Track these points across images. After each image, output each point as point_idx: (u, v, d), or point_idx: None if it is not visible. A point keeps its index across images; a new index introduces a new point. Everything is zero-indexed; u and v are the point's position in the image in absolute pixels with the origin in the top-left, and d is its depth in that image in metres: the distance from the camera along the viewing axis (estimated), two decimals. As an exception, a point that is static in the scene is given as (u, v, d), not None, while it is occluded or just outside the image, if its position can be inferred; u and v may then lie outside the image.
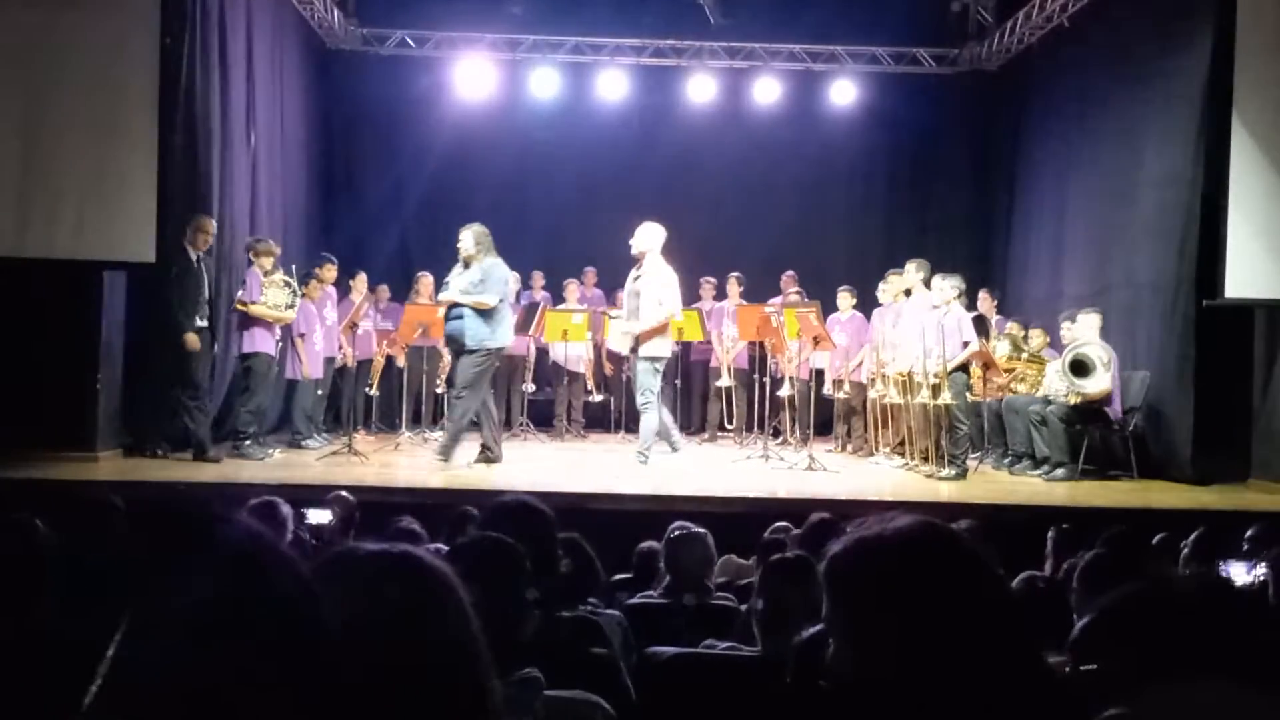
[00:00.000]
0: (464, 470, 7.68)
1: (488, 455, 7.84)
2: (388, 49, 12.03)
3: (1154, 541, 4.74)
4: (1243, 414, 8.10)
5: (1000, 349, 8.94)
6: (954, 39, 12.17)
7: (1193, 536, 4.48)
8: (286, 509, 4.48)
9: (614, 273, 11.38)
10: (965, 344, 7.99)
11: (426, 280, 9.96)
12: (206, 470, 7.33)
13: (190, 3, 8.03)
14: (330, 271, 9.62)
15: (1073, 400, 8.19)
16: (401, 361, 10.22)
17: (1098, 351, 8.16)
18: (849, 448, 10.01)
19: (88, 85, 7.32)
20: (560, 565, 2.90)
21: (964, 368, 8.09)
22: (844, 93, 11.94)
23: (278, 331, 8.57)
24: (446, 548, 2.77)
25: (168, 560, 0.68)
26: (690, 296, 11.09)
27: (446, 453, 7.73)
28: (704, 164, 12.07)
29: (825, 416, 10.26)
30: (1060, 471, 8.05)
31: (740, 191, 12.14)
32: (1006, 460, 8.75)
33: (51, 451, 7.23)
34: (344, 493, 5.40)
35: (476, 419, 7.79)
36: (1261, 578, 3.52)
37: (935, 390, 7.96)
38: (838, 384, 9.95)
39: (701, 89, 11.92)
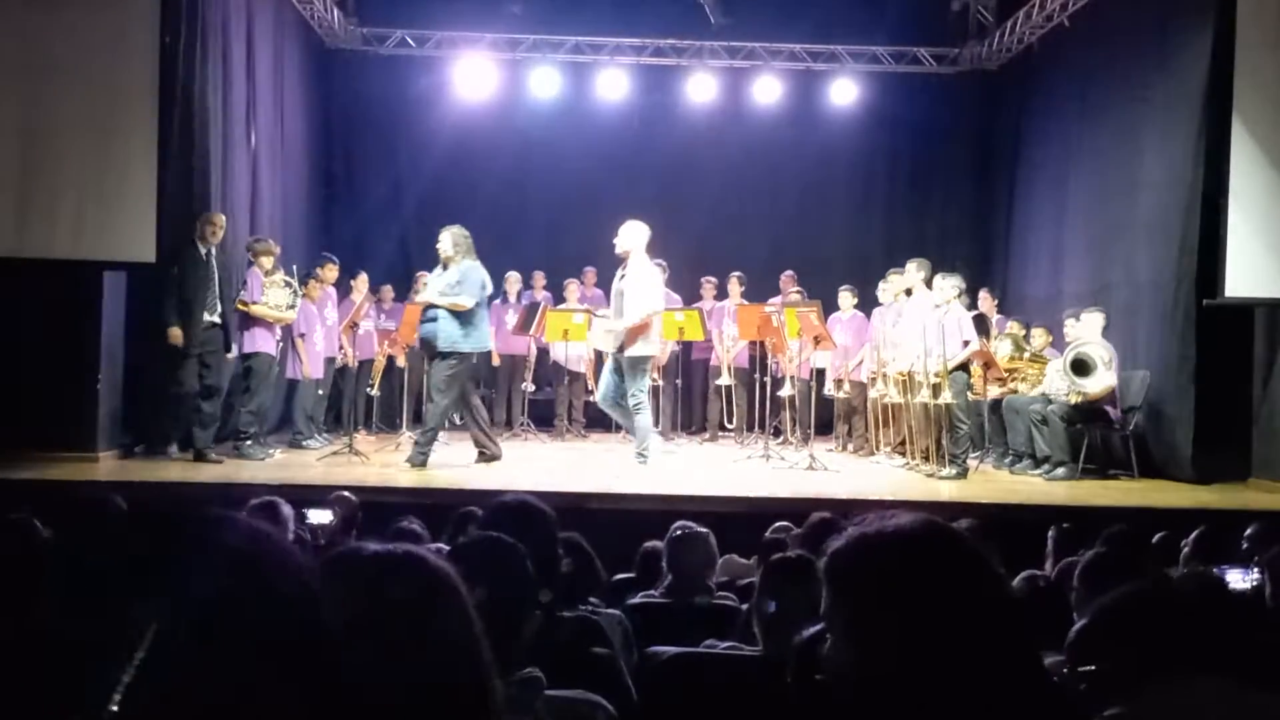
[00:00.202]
0: (465, 470, 7.67)
1: (485, 454, 7.80)
2: (388, 48, 12.04)
3: (1154, 541, 4.73)
4: (1243, 413, 8.09)
5: (1001, 349, 8.94)
6: (954, 38, 12.18)
7: (1193, 536, 4.48)
8: (287, 509, 4.48)
9: (614, 272, 11.37)
10: (965, 343, 7.99)
11: (426, 280, 9.95)
12: (207, 470, 7.32)
13: (190, 2, 8.03)
14: (331, 271, 9.62)
15: (1073, 399, 8.19)
16: (402, 361, 10.23)
17: (1099, 350, 8.16)
18: (850, 447, 10.01)
19: (87, 85, 7.31)
20: (561, 565, 2.90)
21: (964, 367, 8.09)
22: (844, 92, 11.94)
23: (278, 331, 8.57)
24: (447, 547, 2.77)
25: (168, 560, 0.68)
26: (691, 296, 11.11)
27: (419, 459, 7.53)
28: (704, 164, 12.07)
29: (826, 416, 10.26)
30: (1061, 471, 8.05)
31: (740, 191, 12.14)
32: (1007, 460, 8.75)
33: (51, 451, 7.24)
34: (346, 493, 5.39)
35: (461, 421, 7.74)
36: (1256, 581, 3.52)
37: (936, 390, 7.96)
38: (838, 383, 9.96)
39: (702, 88, 11.92)
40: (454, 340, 7.47)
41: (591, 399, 11.09)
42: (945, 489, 7.55)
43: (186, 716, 0.63)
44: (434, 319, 7.54)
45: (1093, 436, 8.28)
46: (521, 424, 10.66)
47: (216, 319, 7.72)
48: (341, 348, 9.56)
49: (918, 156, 12.46)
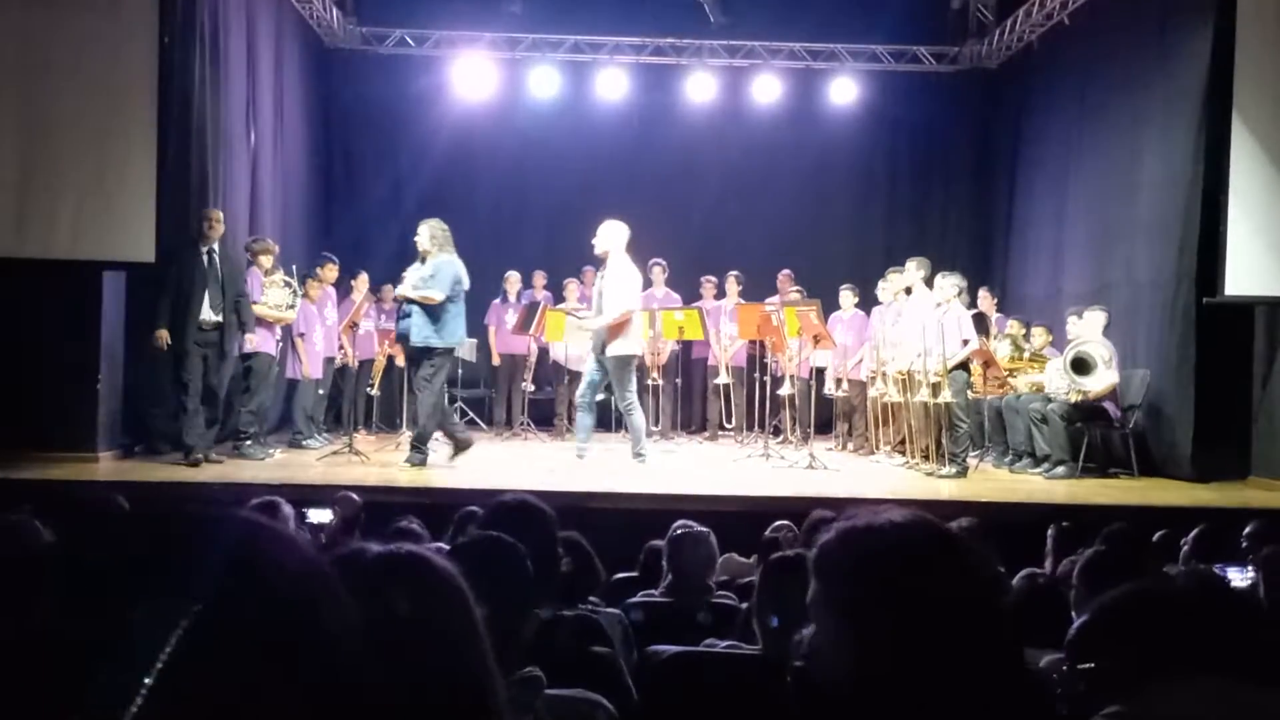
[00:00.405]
0: (465, 470, 7.67)
1: (457, 445, 7.67)
2: (387, 48, 12.04)
3: (1154, 539, 4.73)
4: (1243, 411, 8.10)
5: (1001, 350, 8.94)
6: (954, 37, 12.18)
7: (1192, 534, 4.48)
8: (288, 509, 4.48)
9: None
10: (965, 342, 7.99)
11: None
12: (206, 470, 7.31)
13: (189, 3, 8.03)
14: (330, 271, 9.62)
15: (1073, 398, 8.19)
16: (402, 361, 10.21)
17: (1099, 349, 8.16)
18: (849, 446, 10.01)
19: (87, 85, 7.31)
20: (561, 565, 2.90)
21: (964, 366, 8.09)
22: (844, 91, 11.94)
23: (278, 331, 8.57)
24: (447, 547, 2.77)
25: (170, 559, 0.68)
26: (691, 296, 11.12)
27: (419, 459, 7.52)
28: (704, 163, 12.07)
29: (826, 415, 10.27)
30: (1060, 469, 8.06)
31: (740, 190, 12.14)
32: (1007, 458, 8.75)
33: (51, 452, 7.24)
34: (350, 493, 5.38)
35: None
36: (1252, 578, 3.52)
37: (935, 389, 7.96)
38: (838, 382, 9.96)
39: (701, 87, 11.92)
40: (426, 336, 7.38)
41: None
42: (945, 488, 7.55)
43: (188, 717, 0.63)
44: (407, 314, 7.48)
45: (1092, 435, 8.28)
46: (521, 424, 10.66)
47: (219, 318, 7.59)
48: (341, 347, 9.56)
49: (917, 155, 12.46)
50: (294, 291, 8.66)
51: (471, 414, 11.26)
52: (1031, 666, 2.66)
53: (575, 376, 10.85)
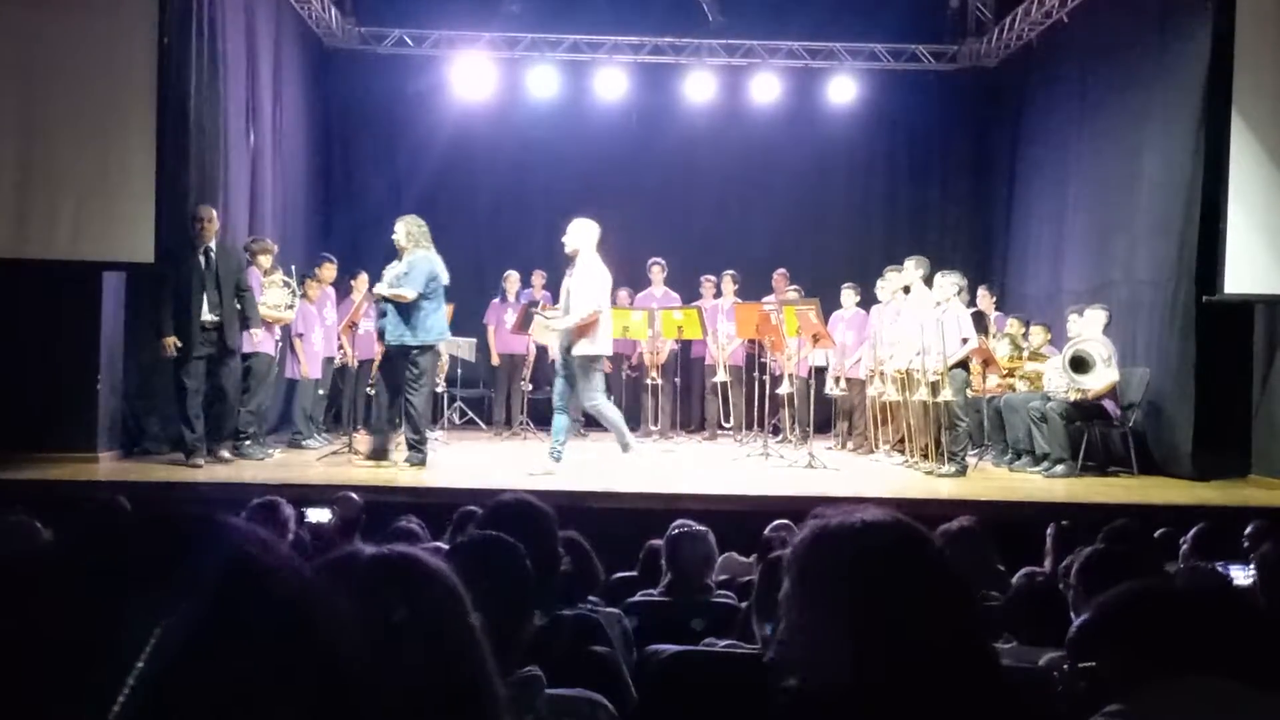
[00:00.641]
0: (465, 470, 7.67)
1: (373, 451, 7.63)
2: (386, 48, 12.03)
3: (1154, 537, 4.74)
4: (1242, 410, 8.10)
5: (1000, 349, 8.94)
6: (953, 36, 12.18)
7: (1192, 532, 4.48)
8: (289, 509, 4.48)
9: (613, 270, 11.33)
10: (964, 340, 7.99)
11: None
12: (206, 470, 7.30)
13: (188, 3, 8.03)
14: (329, 271, 9.62)
15: (1073, 397, 8.19)
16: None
17: (1098, 348, 8.16)
18: (849, 445, 10.01)
19: (86, 85, 7.31)
20: (561, 564, 2.90)
21: (964, 364, 8.09)
22: (843, 90, 11.94)
23: (277, 331, 8.57)
24: (446, 546, 2.77)
25: (166, 564, 0.68)
26: (691, 295, 11.12)
27: (418, 459, 7.50)
28: (703, 162, 12.08)
29: (825, 414, 10.27)
30: (1060, 468, 8.06)
31: (739, 189, 12.15)
32: (1006, 457, 8.75)
33: (51, 452, 7.24)
34: (351, 493, 5.38)
35: (398, 420, 7.58)
36: (1254, 577, 3.52)
37: (934, 388, 7.97)
38: (836, 380, 9.96)
39: (700, 87, 11.92)
40: (400, 335, 7.33)
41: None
42: (944, 486, 7.56)
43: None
44: (383, 312, 7.45)
45: (1092, 433, 8.28)
46: (521, 423, 10.66)
47: (217, 318, 7.48)
48: (341, 347, 9.55)
49: (916, 154, 12.46)
50: (292, 292, 8.66)
51: (471, 414, 11.27)
52: (1027, 665, 2.67)
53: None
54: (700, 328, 10.25)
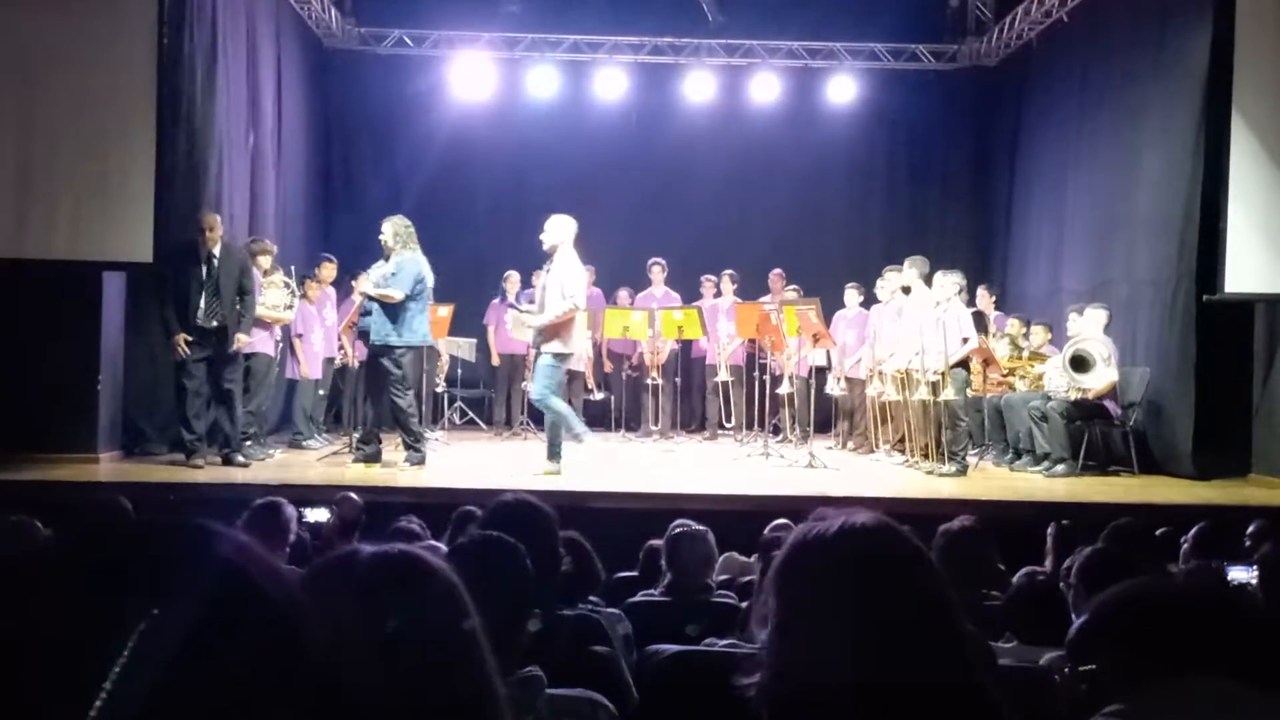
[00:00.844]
0: (465, 470, 7.66)
1: (365, 452, 7.58)
2: (385, 48, 12.03)
3: (1155, 536, 4.73)
4: (1243, 409, 8.09)
5: (1000, 349, 8.94)
6: (953, 35, 12.17)
7: (1193, 532, 4.48)
8: (290, 510, 4.48)
9: (613, 270, 11.38)
10: (965, 340, 7.99)
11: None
12: (206, 471, 7.29)
13: (188, 2, 8.02)
14: (329, 271, 9.62)
15: (1073, 396, 8.19)
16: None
17: (1098, 347, 8.16)
18: (849, 445, 10.01)
19: (87, 85, 7.31)
20: (561, 564, 2.90)
21: (964, 364, 8.09)
22: (842, 89, 11.94)
23: (277, 332, 8.57)
24: (445, 546, 2.77)
25: (158, 568, 0.68)
26: (691, 295, 11.12)
27: (417, 458, 7.50)
28: (702, 162, 12.07)
29: (825, 414, 10.27)
30: (1061, 467, 8.06)
31: (739, 189, 12.15)
32: (1007, 456, 8.75)
33: (52, 452, 7.24)
34: (351, 494, 5.37)
35: (398, 419, 7.55)
36: (1253, 577, 3.53)
37: (934, 387, 7.97)
38: (836, 380, 9.96)
39: (700, 87, 11.92)
40: (385, 334, 7.33)
41: (591, 398, 11.12)
42: (945, 486, 7.55)
43: None
44: (368, 312, 7.43)
45: (1093, 433, 8.28)
46: (521, 423, 10.66)
47: (214, 324, 7.37)
48: (341, 347, 9.55)
49: (916, 153, 12.46)
50: (291, 292, 8.66)
51: (471, 413, 11.27)
52: (1027, 665, 2.67)
53: (575, 376, 10.85)
54: (700, 327, 10.25)
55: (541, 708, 1.85)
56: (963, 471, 7.95)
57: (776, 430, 9.99)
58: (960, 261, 9.81)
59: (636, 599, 3.83)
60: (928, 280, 8.43)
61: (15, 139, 7.29)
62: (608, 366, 11.19)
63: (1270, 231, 7.60)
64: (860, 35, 11.84)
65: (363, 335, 7.69)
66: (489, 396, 11.41)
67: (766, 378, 9.88)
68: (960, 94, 12.21)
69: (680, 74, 12.04)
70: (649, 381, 10.61)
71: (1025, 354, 9.03)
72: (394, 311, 7.32)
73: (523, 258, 11.30)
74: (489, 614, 1.20)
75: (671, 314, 10.12)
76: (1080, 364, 8.16)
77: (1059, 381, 8.37)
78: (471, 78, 11.88)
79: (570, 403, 10.77)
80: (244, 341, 7.63)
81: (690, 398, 11.22)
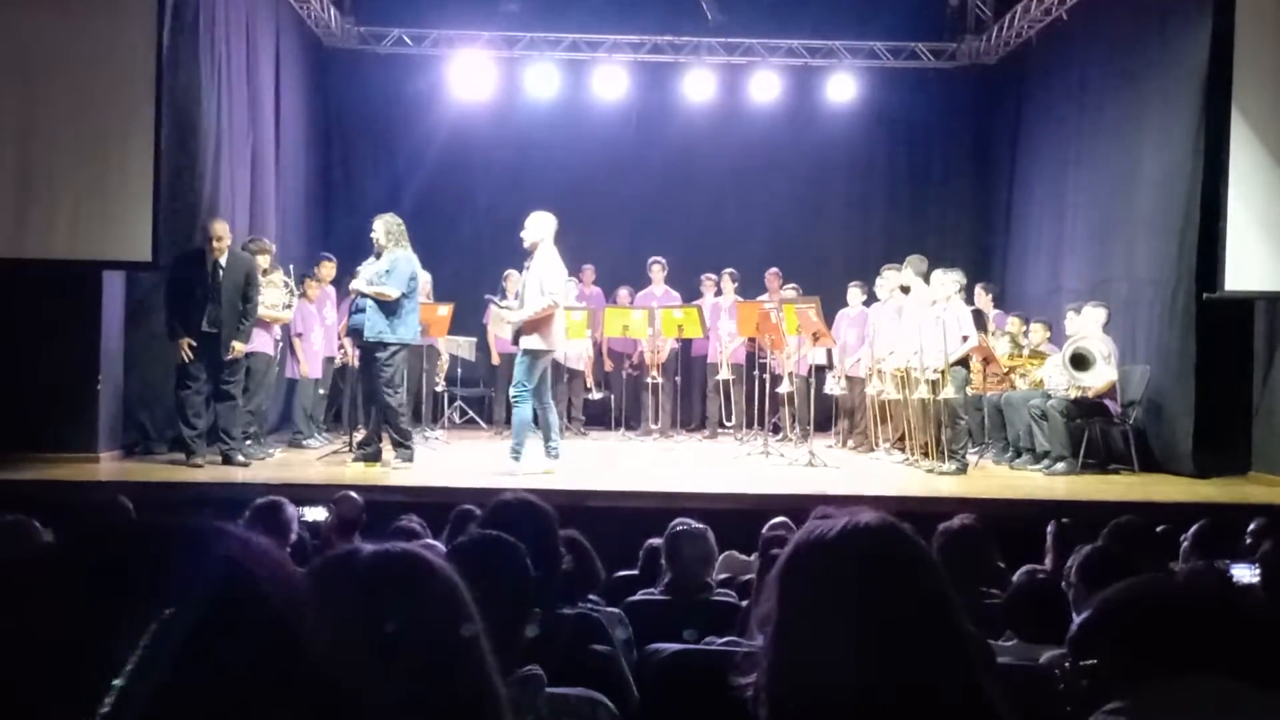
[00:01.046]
0: (464, 469, 7.65)
1: (366, 452, 7.57)
2: (385, 47, 12.03)
3: (1155, 533, 4.73)
4: (1243, 407, 8.10)
5: (1000, 348, 8.94)
6: (952, 33, 12.17)
7: (1193, 530, 4.48)
8: (291, 509, 4.48)
9: (613, 270, 11.39)
10: (965, 338, 7.99)
11: (423, 278, 9.92)
12: (205, 470, 7.29)
13: (188, 2, 8.02)
14: (329, 270, 9.61)
15: (1073, 394, 8.19)
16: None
17: (1098, 345, 8.16)
18: (849, 443, 10.01)
19: (86, 85, 7.30)
20: (561, 563, 2.90)
21: (964, 362, 8.09)
22: (842, 88, 11.93)
23: (276, 331, 8.56)
24: (445, 546, 2.77)
25: (161, 568, 0.68)
26: (691, 294, 11.12)
27: (407, 455, 7.50)
28: (702, 161, 12.07)
29: (825, 412, 10.27)
30: (1061, 465, 8.06)
31: (738, 188, 12.14)
32: (1007, 455, 8.75)
33: (52, 452, 7.24)
34: (352, 493, 5.37)
35: (390, 418, 7.54)
36: (1255, 576, 3.52)
37: (934, 386, 7.97)
38: (837, 379, 9.96)
39: (699, 85, 11.91)
40: (379, 331, 7.33)
41: (590, 397, 11.12)
42: (945, 484, 7.55)
43: None
44: (361, 309, 7.44)
45: (1093, 431, 8.28)
46: (521, 422, 10.64)
47: (215, 330, 7.34)
48: (341, 347, 9.55)
49: (916, 152, 12.46)
50: (290, 291, 8.65)
51: (471, 413, 11.26)
52: (1028, 663, 2.67)
53: (575, 375, 10.87)
54: (700, 326, 10.24)
55: (541, 707, 1.85)
56: (962, 470, 7.95)
57: (776, 429, 9.99)
58: (960, 260, 9.81)
59: (636, 598, 3.83)
60: (926, 279, 8.43)
61: (15, 139, 7.29)
62: (608, 365, 11.19)
63: (1270, 229, 7.60)
64: (860, 34, 11.84)
65: (353, 332, 7.68)
66: (489, 396, 11.41)
67: (766, 376, 9.88)
68: (960, 92, 12.21)
69: (680, 73, 12.04)
70: (649, 380, 10.61)
71: (1025, 352, 9.03)
72: (389, 309, 7.35)
73: (522, 257, 11.28)
74: (489, 613, 1.20)
75: (671, 313, 10.11)
76: (1080, 362, 8.15)
77: (1058, 380, 8.37)
78: (471, 77, 11.88)
79: (571, 402, 10.84)
80: (239, 350, 7.58)
81: (690, 396, 11.21)
